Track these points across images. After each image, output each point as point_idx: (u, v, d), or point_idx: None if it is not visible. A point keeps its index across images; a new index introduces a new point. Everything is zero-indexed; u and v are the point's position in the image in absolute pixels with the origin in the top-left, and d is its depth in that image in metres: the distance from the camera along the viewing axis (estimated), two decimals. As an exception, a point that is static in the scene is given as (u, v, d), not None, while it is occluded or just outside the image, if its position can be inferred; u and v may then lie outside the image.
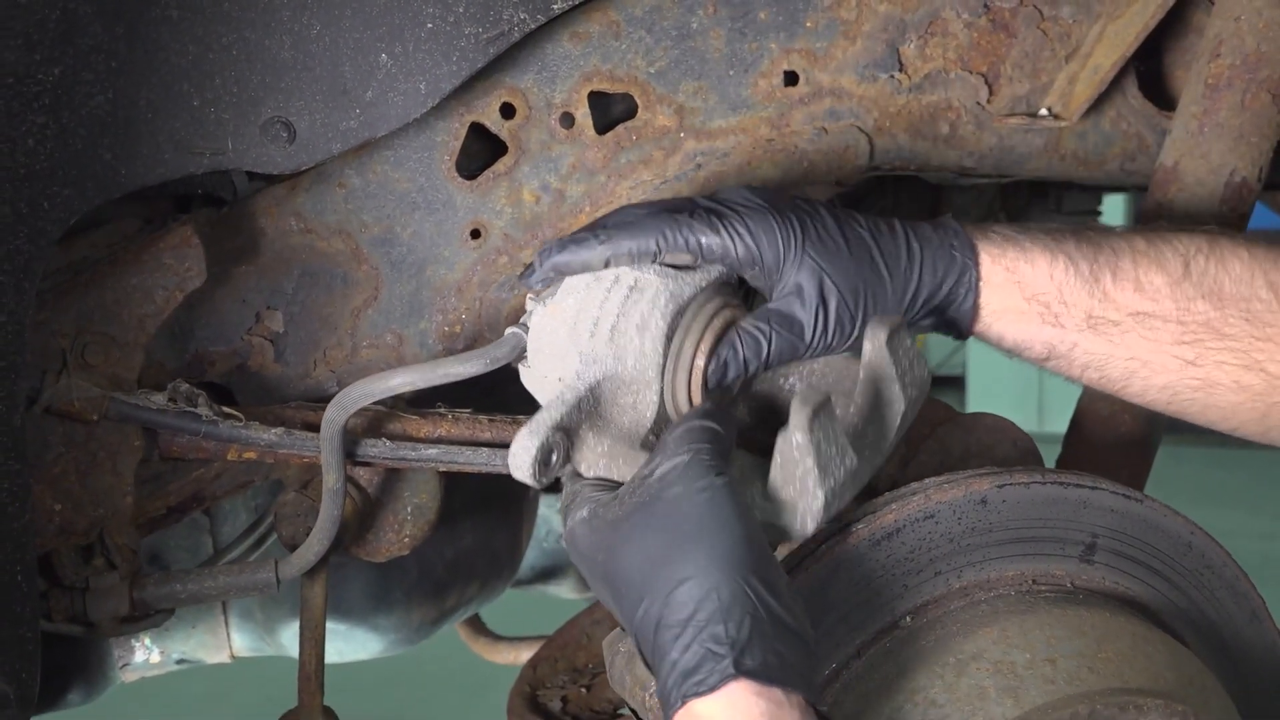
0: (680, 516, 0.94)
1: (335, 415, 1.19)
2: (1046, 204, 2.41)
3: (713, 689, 0.88)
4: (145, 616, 1.24)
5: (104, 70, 1.10)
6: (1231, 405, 1.16)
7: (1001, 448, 1.29)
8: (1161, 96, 1.45)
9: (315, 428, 1.25)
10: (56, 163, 1.09)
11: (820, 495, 0.99)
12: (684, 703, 0.88)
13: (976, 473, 1.10)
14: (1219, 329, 1.16)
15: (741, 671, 0.88)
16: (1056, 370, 1.20)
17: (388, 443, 1.25)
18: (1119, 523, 1.12)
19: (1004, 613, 1.06)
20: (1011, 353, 1.20)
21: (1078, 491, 1.10)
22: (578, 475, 1.06)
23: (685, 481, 0.95)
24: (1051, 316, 1.16)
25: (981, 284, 1.15)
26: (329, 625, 1.35)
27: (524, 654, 1.97)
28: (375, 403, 1.30)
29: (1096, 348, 1.16)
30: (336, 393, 1.32)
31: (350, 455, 1.23)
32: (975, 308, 1.16)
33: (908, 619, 1.07)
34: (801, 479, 0.99)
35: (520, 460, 1.02)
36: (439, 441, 1.27)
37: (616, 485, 1.04)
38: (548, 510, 2.02)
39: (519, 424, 1.28)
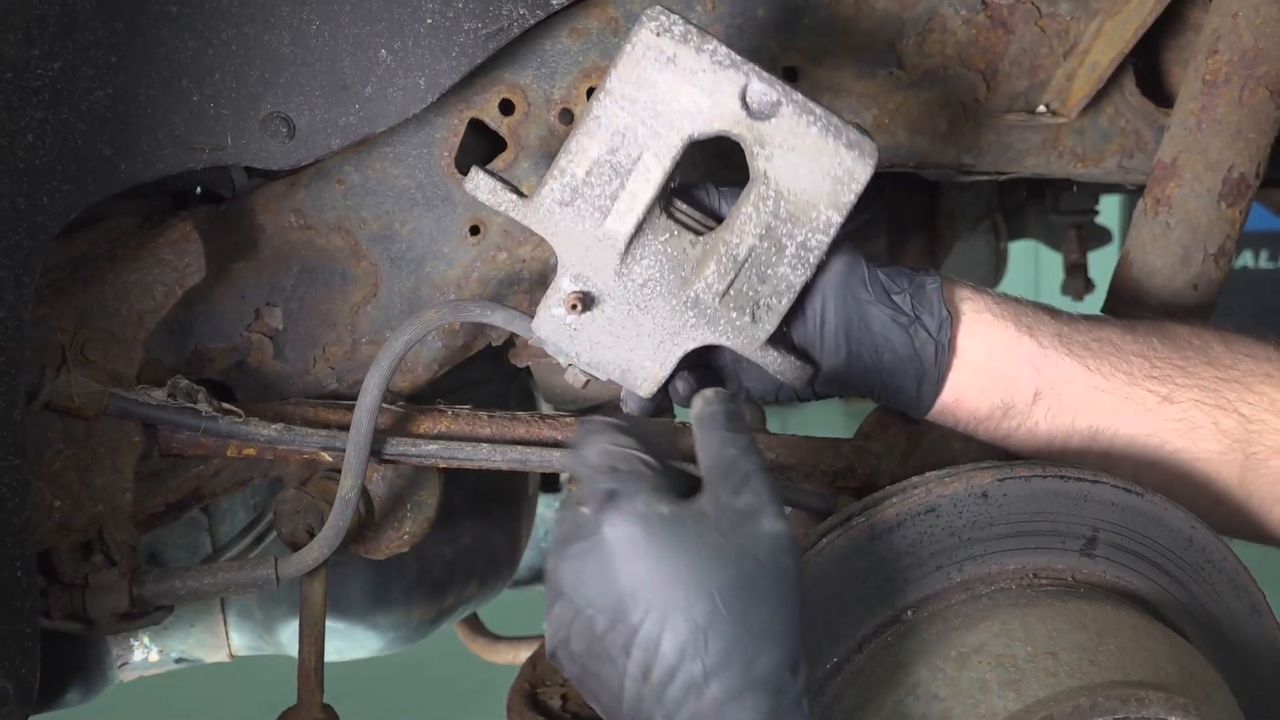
0: (791, 595, 0.91)
1: (364, 418, 1.20)
2: (1044, 204, 2.43)
3: None
4: (145, 614, 1.24)
5: (104, 65, 1.10)
6: (1215, 459, 1.16)
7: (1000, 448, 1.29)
8: (1159, 93, 1.45)
9: (315, 423, 1.25)
10: (56, 158, 1.09)
11: None
12: None
13: (978, 466, 1.10)
14: (1183, 367, 1.17)
15: None
16: (1042, 419, 1.18)
17: (389, 438, 1.25)
18: (1120, 517, 1.12)
19: (1005, 606, 1.06)
20: (990, 388, 1.18)
21: (1079, 485, 1.10)
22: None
23: (795, 557, 0.92)
24: (1024, 327, 1.18)
25: (949, 285, 1.19)
26: (328, 624, 1.35)
27: (523, 654, 1.97)
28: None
29: (1075, 374, 1.16)
30: (334, 389, 1.32)
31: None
32: (948, 299, 1.17)
33: (909, 613, 1.07)
34: None
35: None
36: (439, 438, 1.26)
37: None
38: (546, 510, 2.02)
39: (517, 420, 1.29)
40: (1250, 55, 1.33)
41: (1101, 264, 2.37)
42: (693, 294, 1.15)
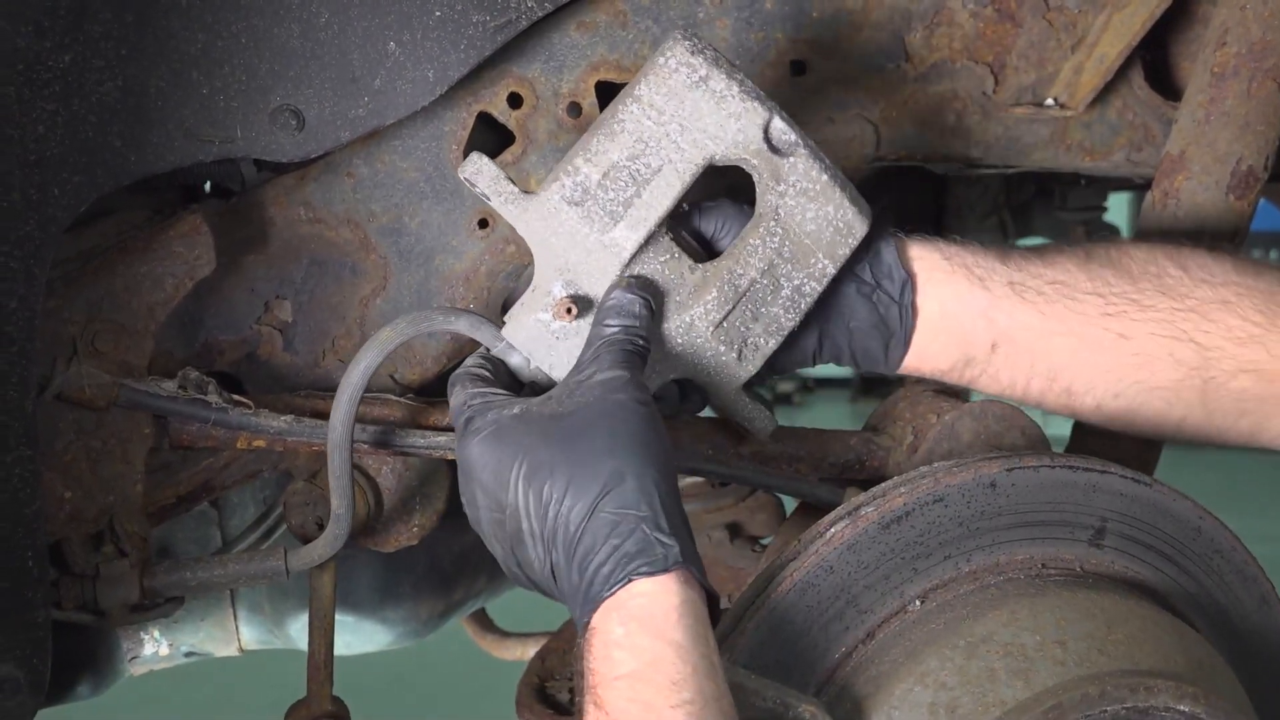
0: (621, 421, 1.01)
1: (336, 448, 1.18)
2: (1052, 201, 2.42)
3: (655, 572, 0.96)
4: (155, 605, 1.24)
5: (114, 57, 1.10)
6: (1174, 386, 1.17)
7: (1010, 435, 1.30)
8: (1167, 86, 1.45)
9: (324, 415, 1.24)
10: (66, 149, 1.09)
11: None
12: (629, 581, 0.95)
13: (986, 456, 1.11)
14: (1138, 300, 1.19)
15: (680, 562, 0.96)
16: (1002, 367, 1.21)
17: (396, 431, 1.25)
18: (1128, 507, 1.12)
19: (1014, 596, 1.06)
20: (949, 344, 1.20)
21: (1087, 475, 1.10)
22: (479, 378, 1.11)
23: (627, 391, 1.03)
24: (975, 279, 1.20)
25: (901, 243, 1.22)
26: (337, 618, 1.35)
27: (531, 649, 1.97)
28: (383, 390, 1.30)
29: (1030, 319, 1.18)
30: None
31: (361, 442, 1.23)
32: (903, 259, 1.20)
33: (917, 602, 1.07)
34: None
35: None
36: (446, 430, 1.26)
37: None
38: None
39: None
40: (1258, 48, 1.33)
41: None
42: (687, 319, 1.14)
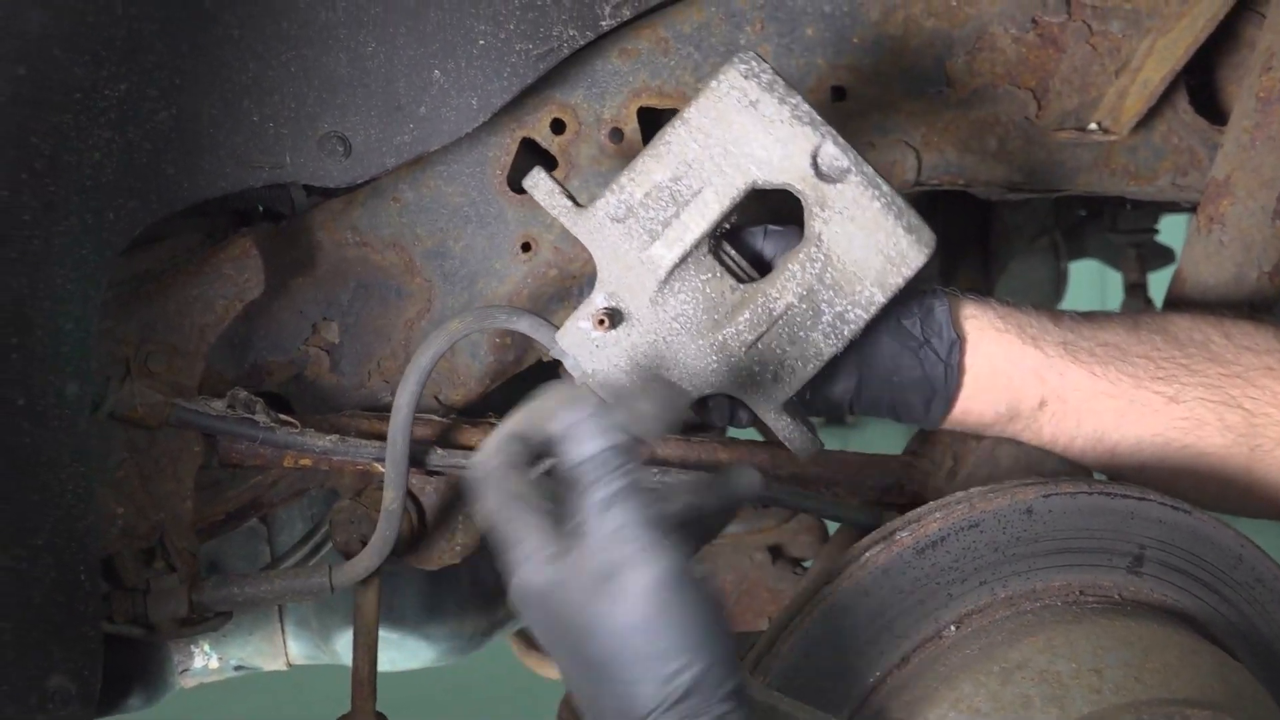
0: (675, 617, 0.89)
1: (399, 435, 1.21)
2: (1101, 223, 2.40)
3: None
4: (203, 620, 1.26)
5: (168, 86, 1.13)
6: (1220, 452, 1.17)
7: (1051, 462, 1.28)
8: (1213, 110, 1.44)
9: (370, 435, 1.27)
10: (121, 176, 1.11)
11: None
12: None
13: (1022, 482, 1.10)
14: (1187, 365, 1.19)
15: None
16: (1046, 424, 1.21)
17: (439, 450, 1.27)
18: (1167, 534, 1.11)
19: (1050, 622, 1.05)
20: (995, 399, 1.20)
21: (1125, 502, 1.10)
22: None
23: (661, 579, 0.89)
24: (1028, 338, 1.19)
25: (956, 302, 1.20)
26: (382, 634, 1.37)
27: (575, 668, 1.96)
28: (427, 411, 1.32)
29: (1081, 381, 1.18)
30: (389, 401, 1.34)
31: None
32: (955, 320, 1.19)
33: (952, 628, 1.07)
34: None
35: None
36: (490, 450, 1.28)
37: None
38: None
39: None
40: (1306, 71, 1.32)
41: (1163, 284, 2.34)
42: (721, 338, 1.15)
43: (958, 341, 1.19)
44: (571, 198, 1.15)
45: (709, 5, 1.32)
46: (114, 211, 1.12)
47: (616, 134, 1.33)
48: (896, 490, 1.33)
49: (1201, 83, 1.44)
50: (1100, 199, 2.22)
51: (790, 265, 1.15)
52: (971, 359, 1.19)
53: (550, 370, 1.42)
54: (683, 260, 1.13)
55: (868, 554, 1.07)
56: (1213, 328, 1.22)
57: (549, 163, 1.34)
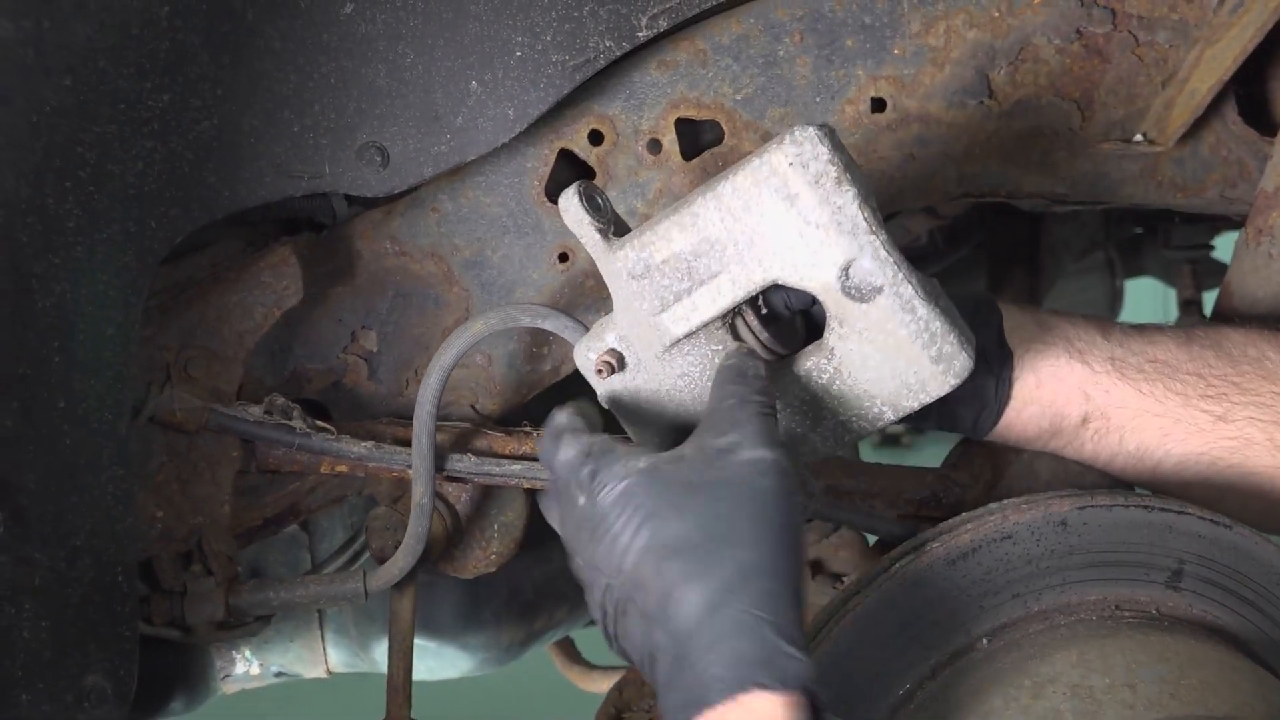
0: (766, 512, 0.94)
1: (423, 429, 1.20)
2: (1155, 239, 2.37)
3: (776, 688, 0.87)
4: (241, 624, 1.28)
5: (210, 97, 1.15)
6: (1268, 472, 1.14)
7: (1090, 475, 1.27)
8: (1262, 121, 1.41)
9: (406, 442, 1.28)
10: (164, 184, 1.13)
11: None
12: (747, 689, 0.87)
13: (1057, 494, 1.09)
14: (1239, 384, 1.16)
15: (803, 683, 0.88)
16: (1088, 441, 1.19)
17: (473, 458, 1.28)
18: (1207, 549, 1.09)
19: (1084, 637, 1.04)
20: (1039, 414, 1.18)
21: (1163, 516, 1.08)
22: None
23: (777, 479, 0.96)
24: (1076, 352, 1.17)
25: (1005, 312, 1.18)
26: (419, 643, 1.38)
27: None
28: (463, 420, 1.33)
29: (1127, 398, 1.16)
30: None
31: (438, 469, 1.25)
32: (999, 332, 1.17)
33: (984, 640, 1.06)
34: None
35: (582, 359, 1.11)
36: (523, 458, 1.28)
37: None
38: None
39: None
40: (1356, 81, 1.29)
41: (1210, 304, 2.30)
42: None
43: (1010, 357, 1.17)
44: (603, 228, 1.09)
45: (748, 16, 1.32)
46: (156, 220, 1.14)
47: (654, 145, 1.33)
48: (934, 503, 1.32)
49: (1250, 93, 1.42)
50: (1153, 214, 2.19)
51: (797, 369, 1.09)
52: (1018, 372, 1.17)
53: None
54: (689, 336, 1.09)
55: (898, 564, 1.06)
56: (1268, 343, 1.19)
57: (586, 174, 1.34)
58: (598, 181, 1.34)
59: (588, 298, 1.35)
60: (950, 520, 1.09)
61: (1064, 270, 2.17)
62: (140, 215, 1.13)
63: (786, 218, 1.03)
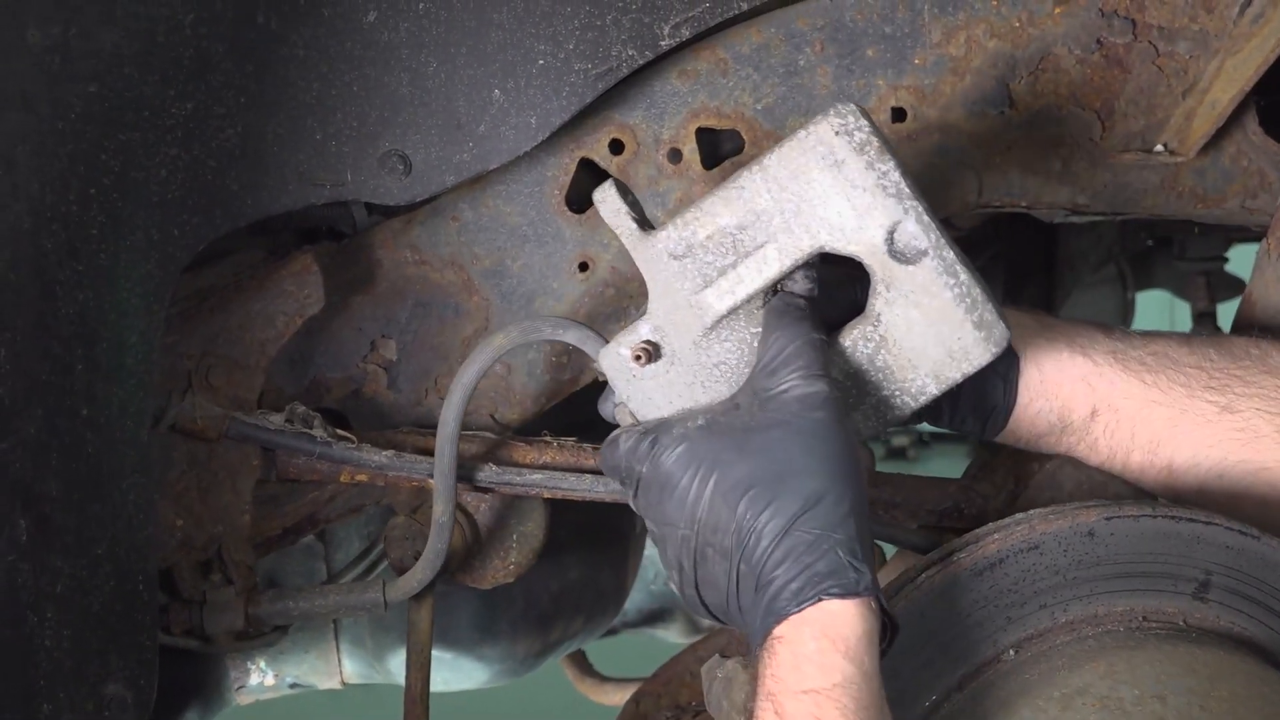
0: (822, 441, 1.01)
1: (446, 446, 1.21)
2: (1169, 252, 2.36)
3: (846, 595, 0.96)
4: (259, 634, 1.27)
5: (234, 105, 1.15)
6: None
7: (1114, 485, 1.26)
8: (1284, 132, 1.41)
9: (425, 452, 1.27)
10: (187, 192, 1.13)
11: None
12: (819, 600, 0.96)
13: (1084, 504, 1.08)
14: (1241, 377, 1.17)
15: (870, 589, 0.96)
16: (1101, 435, 1.19)
17: (494, 467, 1.27)
18: (1235, 560, 1.08)
19: (1112, 648, 1.03)
20: (1046, 409, 1.19)
21: (1190, 526, 1.07)
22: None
23: (828, 409, 1.02)
24: (1078, 347, 1.19)
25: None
26: (435, 654, 1.37)
27: (629, 695, 1.96)
28: (482, 429, 1.33)
29: (1131, 389, 1.17)
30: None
31: (458, 479, 1.25)
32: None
33: (1011, 652, 1.05)
34: None
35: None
36: (544, 468, 1.28)
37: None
38: (654, 552, 2.01)
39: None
40: (1377, 92, 1.29)
41: (1231, 316, 2.30)
42: None
43: (1016, 359, 1.17)
44: (639, 220, 1.11)
45: (768, 26, 1.32)
46: (179, 227, 1.14)
47: (675, 155, 1.33)
48: (955, 514, 1.31)
49: (1272, 103, 1.41)
50: (1168, 226, 2.18)
51: (843, 341, 1.10)
52: (1023, 368, 1.18)
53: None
54: (732, 312, 1.10)
55: (924, 575, 1.05)
56: (1271, 344, 1.20)
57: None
58: (618, 191, 1.33)
59: (608, 307, 1.35)
60: (976, 531, 1.08)
61: (1080, 282, 2.17)
62: (163, 222, 1.13)
63: (833, 183, 1.06)
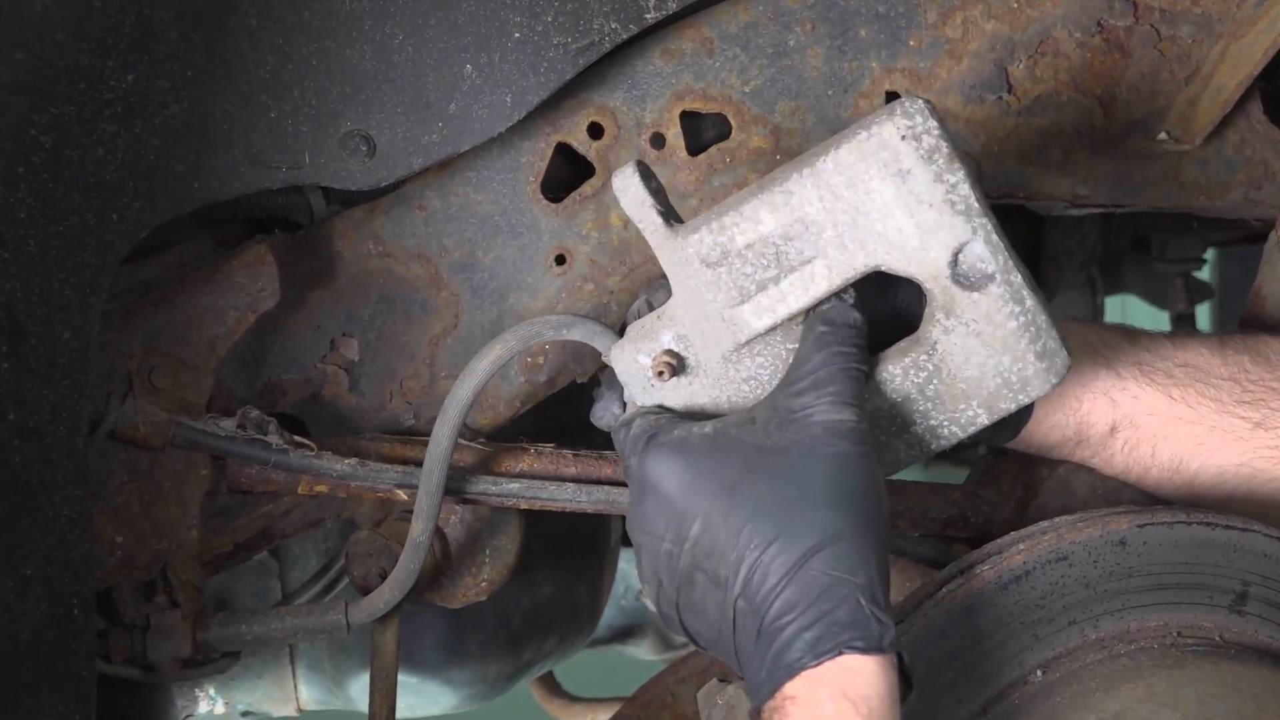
0: (846, 475, 0.92)
1: (435, 466, 1.13)
2: (1146, 254, 2.33)
3: (869, 651, 0.87)
4: (209, 660, 1.20)
5: (179, 79, 1.08)
6: None
7: (1128, 491, 1.20)
8: (1291, 120, 1.37)
9: (391, 460, 1.21)
10: (127, 173, 1.07)
11: None
12: (839, 654, 0.87)
13: (1113, 511, 1.03)
14: (1278, 389, 1.12)
15: (896, 646, 0.89)
16: (1118, 451, 1.15)
17: (468, 477, 1.21)
18: (1274, 569, 1.04)
19: (1149, 667, 0.97)
20: (1062, 421, 1.14)
21: (1227, 534, 1.02)
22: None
23: (857, 441, 0.94)
24: (1100, 357, 1.13)
25: None
26: (400, 678, 1.30)
27: (601, 716, 1.90)
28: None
29: (1156, 405, 1.12)
30: (411, 425, 1.27)
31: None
32: None
33: (1039, 673, 0.99)
34: None
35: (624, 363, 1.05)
36: (521, 476, 1.22)
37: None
38: (627, 566, 1.96)
39: (604, 460, 1.23)
40: (1387, 80, 1.25)
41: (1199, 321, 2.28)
42: None
43: None
44: (664, 213, 1.01)
45: (756, 4, 1.26)
46: (118, 212, 1.06)
47: (658, 139, 1.27)
48: (960, 522, 1.26)
49: (1277, 90, 1.38)
50: (1151, 225, 2.15)
51: (890, 367, 1.01)
52: None
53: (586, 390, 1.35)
54: (770, 330, 1.00)
55: (945, 589, 0.98)
56: None
57: (585, 170, 1.27)
58: (597, 179, 1.27)
59: (586, 304, 1.28)
60: (999, 540, 1.02)
61: (1065, 281, 2.13)
62: (100, 207, 1.05)
63: (896, 196, 0.95)
